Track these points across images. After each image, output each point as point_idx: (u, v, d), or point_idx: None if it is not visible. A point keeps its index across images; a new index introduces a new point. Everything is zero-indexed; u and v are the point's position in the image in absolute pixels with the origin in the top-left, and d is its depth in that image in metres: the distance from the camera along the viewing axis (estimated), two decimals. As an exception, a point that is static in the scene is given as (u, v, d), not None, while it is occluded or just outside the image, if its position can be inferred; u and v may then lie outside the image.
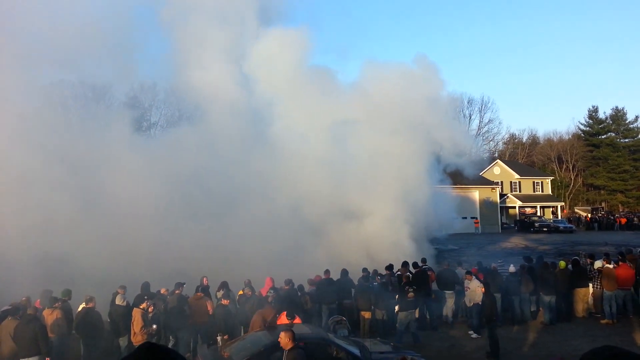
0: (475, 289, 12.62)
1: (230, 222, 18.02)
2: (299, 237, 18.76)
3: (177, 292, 11.31)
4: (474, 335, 12.56)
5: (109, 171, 17.16)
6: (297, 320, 10.04)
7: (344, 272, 14.23)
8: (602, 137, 75.42)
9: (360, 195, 20.28)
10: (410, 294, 12.03)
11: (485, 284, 12.01)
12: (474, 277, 13.07)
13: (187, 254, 16.25)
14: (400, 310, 12.10)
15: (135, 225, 16.43)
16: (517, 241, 35.96)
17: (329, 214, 19.71)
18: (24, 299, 10.63)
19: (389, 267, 15.10)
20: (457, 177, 46.08)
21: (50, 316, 9.68)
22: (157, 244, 16.27)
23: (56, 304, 10.15)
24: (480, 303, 12.13)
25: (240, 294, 12.19)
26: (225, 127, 19.96)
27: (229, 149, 19.53)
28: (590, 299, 14.64)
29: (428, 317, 13.93)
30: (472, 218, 45.13)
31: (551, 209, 56.17)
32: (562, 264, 14.82)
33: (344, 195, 20.00)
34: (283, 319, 9.98)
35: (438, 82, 25.22)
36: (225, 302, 11.04)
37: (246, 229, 17.75)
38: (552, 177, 61.68)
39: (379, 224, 20.15)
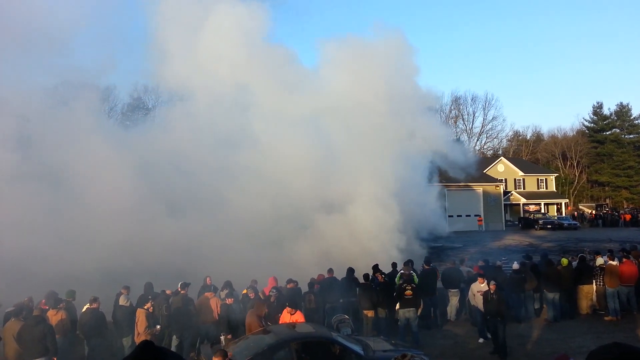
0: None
1: (211, 218, 17.80)
2: (283, 231, 18.50)
3: (182, 292, 11.36)
4: (480, 340, 12.14)
5: (80, 164, 16.91)
6: (299, 314, 10.08)
7: (350, 271, 14.22)
8: (607, 133, 75.13)
9: (344, 188, 19.65)
10: (408, 292, 12.02)
11: (495, 282, 11.70)
12: (485, 281, 12.34)
13: (165, 250, 16.13)
14: (399, 308, 12.12)
15: (110, 220, 16.26)
16: (520, 238, 35.88)
17: (313, 207, 19.22)
18: (26, 299, 10.72)
19: (375, 268, 14.67)
20: (460, 175, 46.12)
21: (54, 317, 9.74)
22: (133, 241, 16.09)
23: (60, 305, 10.23)
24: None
25: (244, 293, 12.22)
26: (204, 118, 19.67)
27: (208, 140, 19.22)
28: (594, 296, 14.60)
29: (432, 315, 13.94)
30: (475, 216, 45.12)
31: (555, 206, 56.00)
32: (565, 261, 14.77)
33: (327, 188, 19.39)
34: (285, 317, 10.02)
35: (406, 50, 23.92)
36: (229, 301, 11.08)
37: (227, 225, 17.58)
38: (556, 174, 61.48)
39: (365, 217, 19.47)
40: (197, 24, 20.31)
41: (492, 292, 11.30)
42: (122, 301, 10.84)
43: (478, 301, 12.26)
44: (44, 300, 10.76)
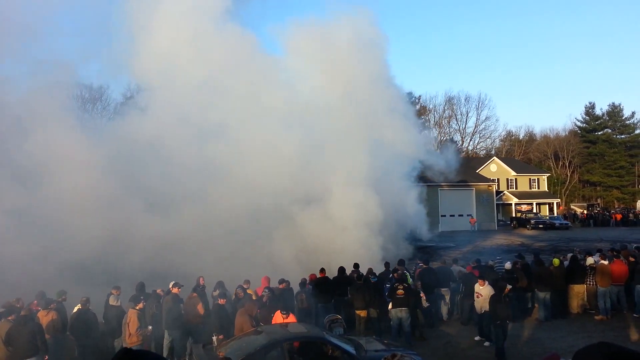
0: (487, 296, 11.74)
1: (189, 213, 17.59)
2: (262, 227, 18.29)
3: (173, 291, 11.30)
4: (487, 344, 11.86)
5: (50, 161, 16.70)
6: (292, 317, 10.08)
7: (341, 270, 14.24)
8: (599, 133, 75.70)
9: (320, 183, 19.35)
10: (400, 292, 12.03)
11: (497, 286, 11.49)
12: (487, 283, 12.23)
13: (144, 247, 15.99)
14: (391, 307, 12.14)
15: (81, 218, 16.05)
16: (513, 238, 36.06)
17: (290, 202, 18.91)
18: (14, 300, 10.63)
19: (356, 266, 14.78)
20: (453, 175, 46.26)
21: (45, 317, 9.67)
22: (107, 238, 15.94)
23: (51, 305, 10.16)
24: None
25: (235, 294, 12.18)
26: (177, 111, 19.37)
27: (181, 135, 18.86)
28: (584, 296, 14.70)
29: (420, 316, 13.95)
30: (467, 215, 45.23)
31: (547, 206, 56.33)
32: (556, 261, 14.85)
33: (303, 182, 19.08)
34: (277, 317, 10.02)
35: (374, 35, 23.41)
36: (221, 301, 11.02)
37: (206, 220, 17.40)
38: (548, 174, 61.84)
39: (342, 213, 19.12)
40: (160, 14, 19.93)
41: (505, 294, 11.13)
42: (112, 301, 10.78)
43: (483, 303, 11.97)
44: (35, 302, 10.68)
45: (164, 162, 18.39)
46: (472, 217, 44.77)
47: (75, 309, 10.46)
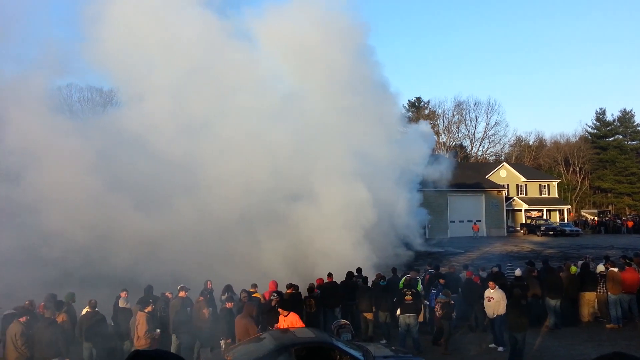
0: (499, 300, 11.78)
1: (174, 213, 17.40)
2: (252, 226, 18.06)
3: (181, 294, 11.33)
4: (500, 349, 11.80)
5: (30, 158, 16.69)
6: (293, 315, 10.02)
7: (349, 275, 14.24)
8: (610, 139, 74.98)
9: (308, 179, 18.83)
10: (408, 297, 11.97)
11: (513, 293, 11.46)
12: (497, 286, 12.15)
13: (127, 246, 15.96)
14: (400, 313, 12.08)
15: (64, 216, 15.99)
16: (522, 244, 35.78)
17: (278, 199, 18.47)
18: (27, 302, 10.71)
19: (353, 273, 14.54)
20: (462, 180, 46.06)
21: (57, 319, 9.72)
22: (99, 236, 15.93)
23: (63, 308, 10.23)
24: (504, 314, 11.48)
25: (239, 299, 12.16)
26: (161, 107, 19.03)
27: (165, 131, 18.55)
28: (595, 303, 14.53)
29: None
30: (469, 222, 44.82)
31: (557, 212, 55.86)
32: (574, 268, 14.71)
33: (291, 179, 18.59)
34: (280, 319, 9.98)
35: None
36: (229, 305, 11.03)
37: (195, 219, 17.27)
38: (558, 180, 61.33)
39: (333, 210, 18.52)
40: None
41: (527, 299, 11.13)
42: (122, 304, 10.84)
43: (494, 306, 11.87)
44: (43, 304, 10.75)
45: (149, 158, 18.10)
46: (475, 224, 44.36)
47: (84, 311, 10.51)
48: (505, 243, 37.18)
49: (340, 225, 18.33)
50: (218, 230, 17.45)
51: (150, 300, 10.87)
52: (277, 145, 18.69)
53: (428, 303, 13.55)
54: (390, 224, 21.73)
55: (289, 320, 9.83)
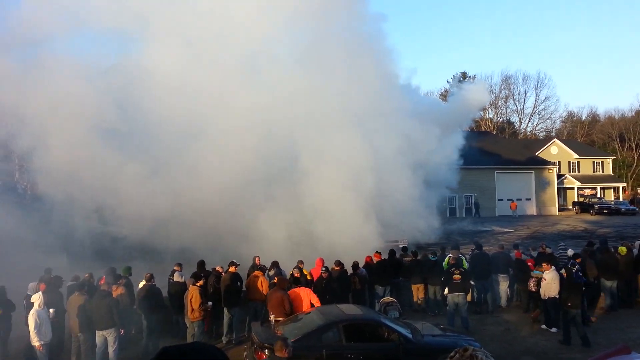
0: (551, 282, 11.43)
1: (178, 184, 17.33)
2: (252, 200, 17.75)
3: (231, 269, 11.61)
4: (554, 330, 11.61)
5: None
6: (304, 289, 10.32)
7: (391, 252, 14.46)
8: (670, 113, 70.81)
9: (302, 153, 17.94)
10: (456, 276, 11.86)
11: (568, 271, 11.37)
12: (552, 267, 11.76)
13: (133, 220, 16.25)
14: (448, 292, 12.00)
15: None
16: (575, 224, 34.59)
17: (280, 172, 17.87)
18: (87, 275, 11.28)
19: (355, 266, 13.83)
20: (511, 158, 44.74)
21: (114, 292, 10.19)
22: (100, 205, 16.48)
23: (120, 281, 10.70)
24: (557, 296, 11.29)
25: (291, 273, 12.38)
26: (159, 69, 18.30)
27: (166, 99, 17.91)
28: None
29: (483, 301, 13.75)
30: (518, 200, 43.28)
31: (612, 190, 53.51)
32: (623, 249, 14.12)
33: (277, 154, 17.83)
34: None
35: None
36: (276, 280, 11.24)
37: (198, 189, 17.21)
38: (613, 157, 58.58)
39: (328, 191, 17.69)
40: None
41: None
42: (176, 277, 11.22)
43: (546, 288, 11.58)
44: (104, 277, 11.27)
45: (154, 125, 17.94)
46: (514, 202, 42.75)
47: (141, 284, 10.95)
48: (558, 222, 36.05)
49: (341, 188, 17.67)
50: (221, 203, 17.29)
51: (202, 275, 11.20)
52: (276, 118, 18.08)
53: (472, 283, 13.39)
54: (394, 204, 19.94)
55: (302, 293, 10.14)
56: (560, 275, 11.41)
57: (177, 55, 18.29)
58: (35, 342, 8.47)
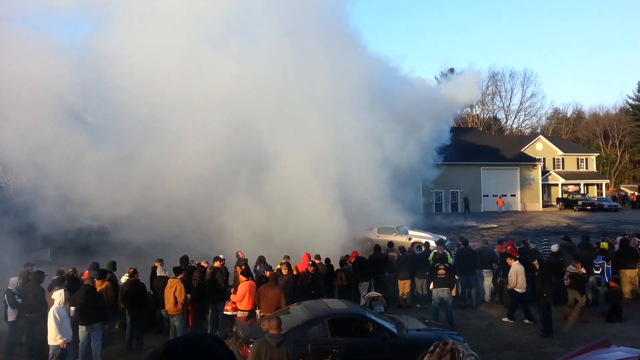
0: (513, 274, 11.89)
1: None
2: (216, 194, 17.55)
3: (216, 264, 11.55)
4: (505, 319, 12.15)
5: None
6: (251, 283, 10.34)
7: (377, 248, 14.58)
8: (652, 111, 71.82)
9: (269, 141, 17.75)
10: (441, 271, 11.94)
11: (541, 264, 12.02)
12: (515, 261, 12.16)
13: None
14: (433, 287, 12.08)
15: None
16: (559, 219, 35.03)
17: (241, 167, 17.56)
18: (70, 270, 11.13)
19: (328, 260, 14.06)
20: (496, 154, 45.11)
21: (100, 287, 10.06)
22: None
23: (107, 276, 10.57)
24: (523, 289, 11.81)
25: (278, 268, 12.35)
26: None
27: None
28: (636, 281, 14.16)
29: (467, 295, 13.86)
30: (503, 195, 43.80)
31: (596, 187, 54.26)
32: (605, 245, 14.33)
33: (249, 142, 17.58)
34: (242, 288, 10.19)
35: None
36: (267, 273, 11.18)
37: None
38: (597, 154, 59.37)
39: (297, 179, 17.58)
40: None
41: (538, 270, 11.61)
42: (160, 272, 11.13)
43: (510, 280, 12.04)
44: (87, 272, 11.13)
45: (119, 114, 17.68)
46: (500, 198, 43.31)
47: (124, 279, 10.84)
48: (541, 218, 36.48)
49: (306, 175, 17.51)
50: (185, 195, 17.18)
51: (182, 269, 11.06)
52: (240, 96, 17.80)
53: (457, 278, 13.48)
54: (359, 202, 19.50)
55: (245, 287, 10.08)
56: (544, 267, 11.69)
57: (144, 42, 17.90)
58: (59, 339, 8.28)
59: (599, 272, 12.89)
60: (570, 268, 12.23)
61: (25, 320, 9.60)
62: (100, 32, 18.63)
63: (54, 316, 8.32)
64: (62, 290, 8.74)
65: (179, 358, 1.53)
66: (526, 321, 11.91)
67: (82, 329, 9.06)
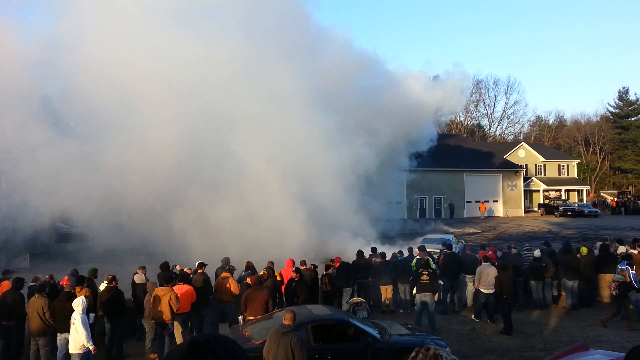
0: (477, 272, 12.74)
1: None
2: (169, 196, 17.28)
3: (199, 271, 11.46)
4: (472, 317, 12.91)
5: None
6: (188, 287, 10.33)
7: (360, 253, 14.53)
8: (632, 119, 73.31)
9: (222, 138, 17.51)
10: (424, 277, 12.00)
11: (502, 264, 12.48)
12: (488, 263, 12.79)
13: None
14: (416, 292, 12.14)
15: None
16: (540, 225, 35.45)
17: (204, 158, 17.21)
18: (47, 276, 10.93)
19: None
20: (480, 160, 45.61)
21: (79, 294, 9.88)
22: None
23: (86, 283, 10.40)
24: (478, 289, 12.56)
25: (261, 274, 12.29)
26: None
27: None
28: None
29: (450, 300, 13.95)
30: (486, 201, 44.29)
31: (577, 193, 55.09)
32: (584, 250, 14.55)
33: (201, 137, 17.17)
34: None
35: None
36: (250, 280, 11.12)
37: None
38: (578, 160, 60.34)
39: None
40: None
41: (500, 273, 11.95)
42: (138, 279, 10.99)
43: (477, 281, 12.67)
44: (66, 277, 10.95)
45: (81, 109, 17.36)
46: (483, 203, 43.80)
47: (103, 286, 10.66)
48: (523, 223, 36.89)
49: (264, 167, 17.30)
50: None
51: (173, 277, 10.93)
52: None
53: (442, 283, 13.59)
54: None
55: (183, 290, 10.14)
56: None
57: (102, 31, 17.62)
58: (90, 345, 8.11)
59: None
60: (618, 277, 12.15)
61: (4, 328, 9.40)
62: (56, 21, 18.37)
63: (83, 321, 8.11)
64: (83, 298, 8.55)
65: (203, 351, 1.64)
66: (489, 321, 12.52)
67: (60, 337, 8.90)
